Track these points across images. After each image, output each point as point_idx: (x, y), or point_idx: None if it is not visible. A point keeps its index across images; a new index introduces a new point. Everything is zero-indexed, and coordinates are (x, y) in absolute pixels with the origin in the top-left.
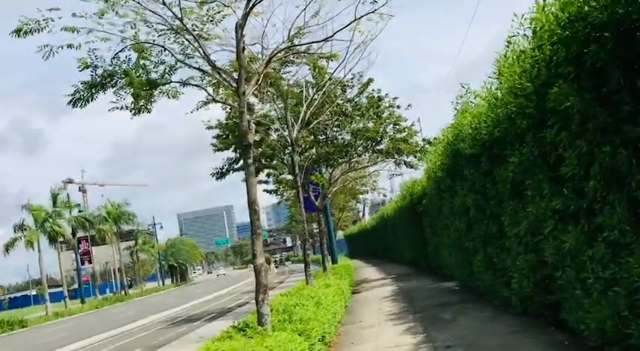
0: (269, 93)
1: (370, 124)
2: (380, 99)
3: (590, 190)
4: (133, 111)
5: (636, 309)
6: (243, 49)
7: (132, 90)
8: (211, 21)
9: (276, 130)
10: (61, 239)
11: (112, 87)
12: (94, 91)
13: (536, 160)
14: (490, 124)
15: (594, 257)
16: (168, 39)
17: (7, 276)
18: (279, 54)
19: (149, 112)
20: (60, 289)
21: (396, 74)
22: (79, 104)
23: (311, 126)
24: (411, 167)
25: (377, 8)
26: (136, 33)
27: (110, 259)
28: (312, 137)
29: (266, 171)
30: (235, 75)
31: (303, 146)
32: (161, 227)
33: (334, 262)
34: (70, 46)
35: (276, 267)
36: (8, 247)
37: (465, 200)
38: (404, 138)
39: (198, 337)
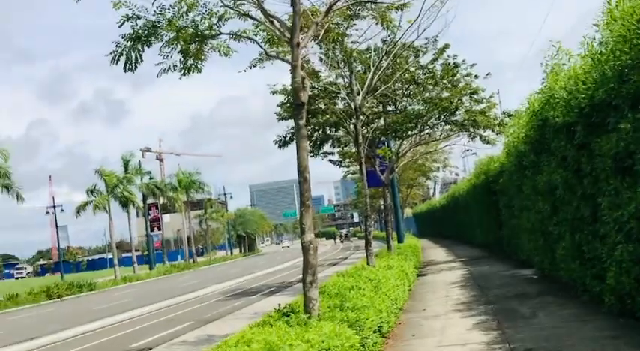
0: (335, 57)
1: (445, 94)
2: (456, 66)
3: None
4: (182, 70)
5: None
6: None
7: (179, 45)
8: None
9: (343, 98)
10: (136, 206)
11: (158, 40)
12: (138, 46)
13: None
14: (591, 85)
15: None
16: None
17: (89, 238)
18: (339, 3)
19: (199, 71)
20: (136, 253)
21: (471, 53)
22: (128, 67)
23: (378, 92)
24: (488, 143)
25: None
26: None
27: (181, 227)
28: (381, 107)
29: (331, 142)
30: (290, 25)
31: (370, 116)
32: (231, 197)
33: (400, 240)
34: None
35: (342, 241)
36: (79, 211)
37: (551, 178)
38: (482, 110)
39: (253, 312)
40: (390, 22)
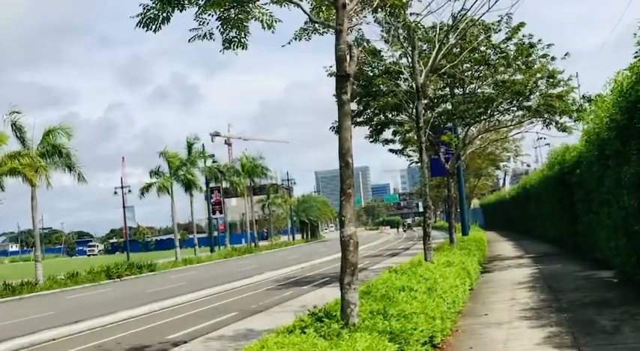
0: (396, 32)
1: (518, 77)
2: (531, 46)
3: None
4: (224, 44)
5: None
6: None
7: (216, 11)
8: None
9: (405, 79)
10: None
11: (192, 4)
12: (168, 8)
13: None
14: None
15: None
16: None
17: (161, 219)
18: None
19: (244, 47)
20: (203, 235)
21: (547, 40)
22: (152, 26)
23: (442, 70)
24: (564, 130)
25: None
26: None
27: (244, 211)
28: (447, 90)
29: (392, 129)
30: None
31: (435, 99)
32: (294, 183)
33: (464, 233)
34: None
35: (404, 231)
36: (143, 192)
37: None
38: (559, 93)
39: (300, 305)
40: None
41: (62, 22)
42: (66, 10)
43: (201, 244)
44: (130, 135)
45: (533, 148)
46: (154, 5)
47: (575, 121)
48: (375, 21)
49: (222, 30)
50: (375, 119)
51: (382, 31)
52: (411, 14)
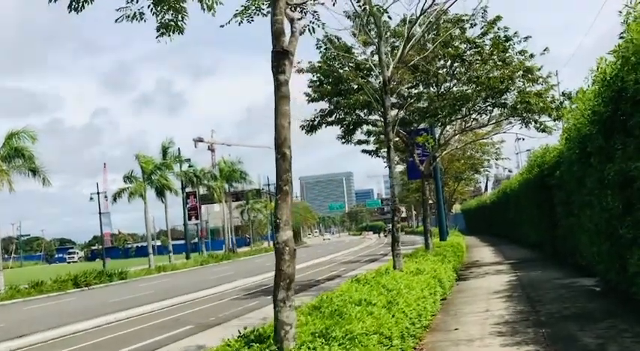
0: (361, 19)
1: (495, 73)
2: (507, 39)
3: None
4: (159, 29)
5: None
6: None
7: None
8: None
9: (377, 76)
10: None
11: None
12: None
13: None
14: None
15: None
16: None
17: (142, 225)
18: None
19: (181, 31)
20: (182, 241)
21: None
22: (74, 6)
23: (412, 62)
24: (543, 130)
25: None
26: None
27: (222, 217)
28: (421, 87)
29: (365, 128)
30: None
31: (407, 97)
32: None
33: (442, 238)
34: None
35: (385, 236)
36: (116, 198)
37: (626, 167)
38: (537, 91)
39: (262, 317)
40: None
41: (47, 28)
42: (50, 16)
43: (182, 250)
44: (115, 141)
45: (515, 153)
46: None
47: (554, 121)
48: (346, 15)
49: (155, 11)
50: (347, 119)
51: (352, 23)
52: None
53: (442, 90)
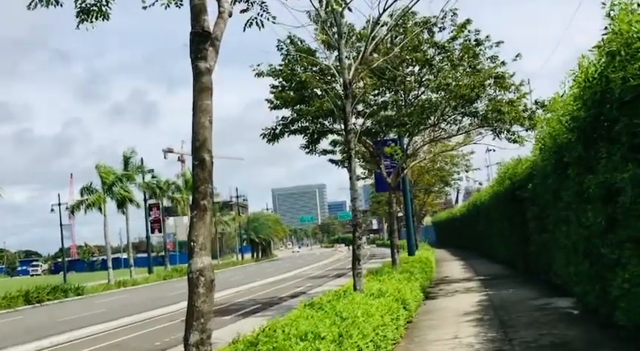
0: (321, 19)
1: (465, 81)
2: (478, 44)
3: None
4: (80, 15)
5: None
6: None
7: None
8: None
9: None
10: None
11: None
12: None
13: None
14: None
15: None
16: None
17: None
18: None
19: (105, 17)
20: (152, 254)
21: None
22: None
23: (375, 64)
24: (515, 141)
25: None
26: None
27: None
28: (388, 95)
29: (330, 137)
30: None
31: (373, 106)
32: (245, 200)
33: (411, 253)
34: None
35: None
36: (73, 210)
37: (610, 178)
38: (509, 100)
39: (215, 337)
40: None
41: (17, 36)
42: (21, 25)
43: (144, 264)
44: (87, 151)
45: (485, 166)
46: None
47: (527, 130)
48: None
49: None
50: (311, 127)
51: (310, 21)
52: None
53: (410, 97)
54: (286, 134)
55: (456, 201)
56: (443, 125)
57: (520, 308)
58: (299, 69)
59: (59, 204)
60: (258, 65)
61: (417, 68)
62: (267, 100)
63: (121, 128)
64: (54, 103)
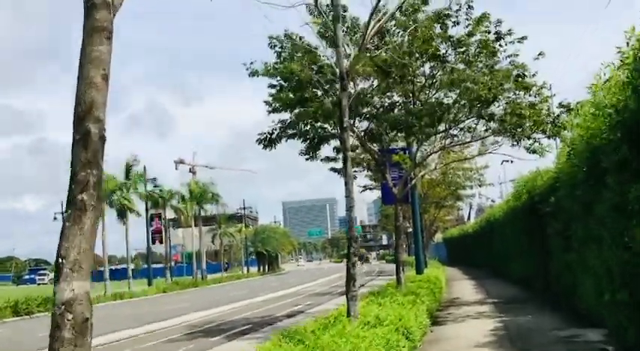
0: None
1: (481, 80)
2: (498, 38)
3: None
4: None
5: None
6: None
7: None
8: None
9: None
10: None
11: None
12: None
13: None
14: None
15: None
16: None
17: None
18: None
19: None
20: (159, 265)
21: None
22: None
23: (378, 53)
24: (534, 151)
25: None
26: None
27: (195, 242)
28: (395, 96)
29: (333, 144)
30: None
31: (380, 108)
32: (251, 211)
33: (419, 271)
34: None
35: (362, 264)
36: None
37: None
38: (531, 103)
39: None
40: None
41: (35, 45)
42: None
43: (157, 274)
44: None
45: (499, 183)
46: None
47: (549, 138)
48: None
49: None
50: (311, 132)
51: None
52: None
53: (420, 98)
54: (283, 139)
55: (468, 217)
56: (455, 132)
57: (542, 340)
58: (296, 67)
59: (62, 212)
60: (252, 63)
61: (427, 66)
62: (265, 102)
63: (136, 138)
64: (70, 111)
